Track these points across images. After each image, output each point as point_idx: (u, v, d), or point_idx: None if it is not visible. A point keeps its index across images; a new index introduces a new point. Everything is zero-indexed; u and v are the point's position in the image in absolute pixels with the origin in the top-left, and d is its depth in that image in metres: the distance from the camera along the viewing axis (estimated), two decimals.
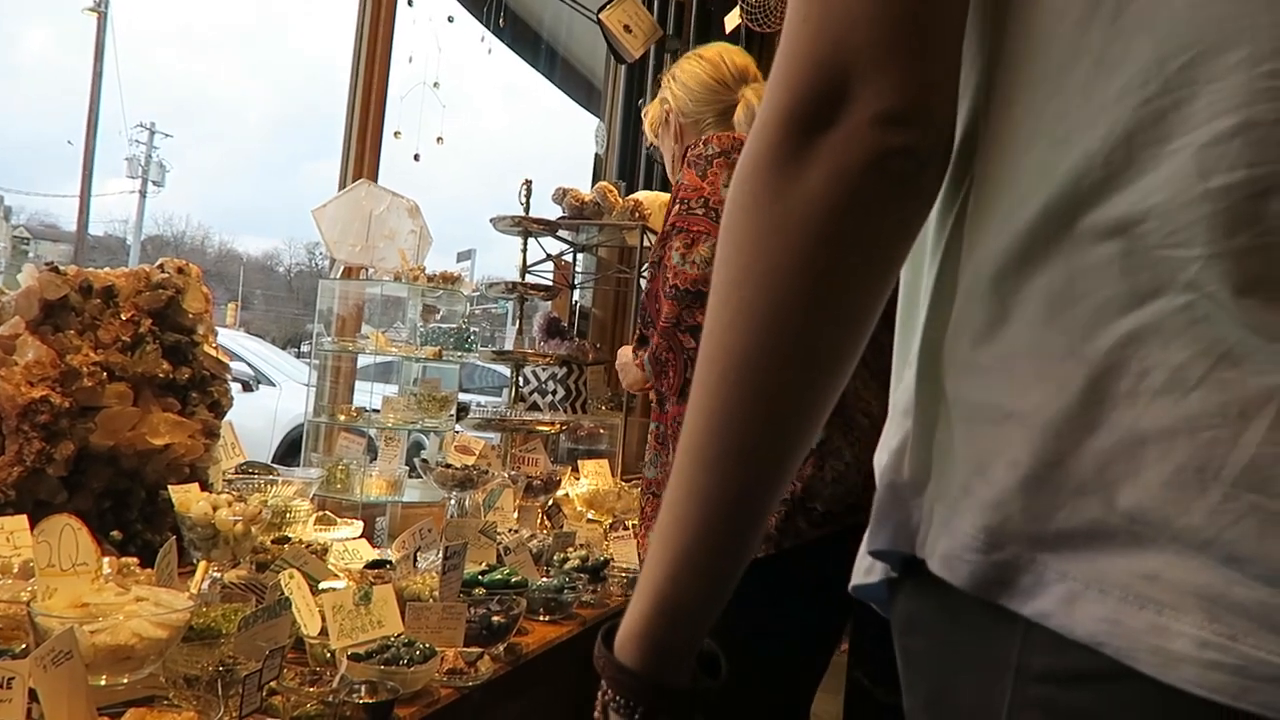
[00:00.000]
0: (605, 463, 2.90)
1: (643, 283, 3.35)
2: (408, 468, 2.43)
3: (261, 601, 1.40)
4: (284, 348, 11.70)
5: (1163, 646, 0.42)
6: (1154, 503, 0.44)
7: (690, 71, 1.84)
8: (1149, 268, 0.45)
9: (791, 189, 0.52)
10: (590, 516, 2.71)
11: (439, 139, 2.79)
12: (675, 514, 0.58)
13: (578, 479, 2.81)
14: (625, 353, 1.95)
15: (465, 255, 4.13)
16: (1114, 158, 0.47)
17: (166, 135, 18.60)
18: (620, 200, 3.18)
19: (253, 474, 1.88)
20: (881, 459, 0.60)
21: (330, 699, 1.21)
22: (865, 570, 0.61)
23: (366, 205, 2.36)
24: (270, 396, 6.50)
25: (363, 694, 1.27)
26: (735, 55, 1.86)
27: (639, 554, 1.67)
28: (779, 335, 0.54)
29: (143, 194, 17.54)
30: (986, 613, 0.49)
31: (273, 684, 1.18)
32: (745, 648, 0.65)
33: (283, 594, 1.39)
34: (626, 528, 2.43)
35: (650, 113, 1.97)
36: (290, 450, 5.91)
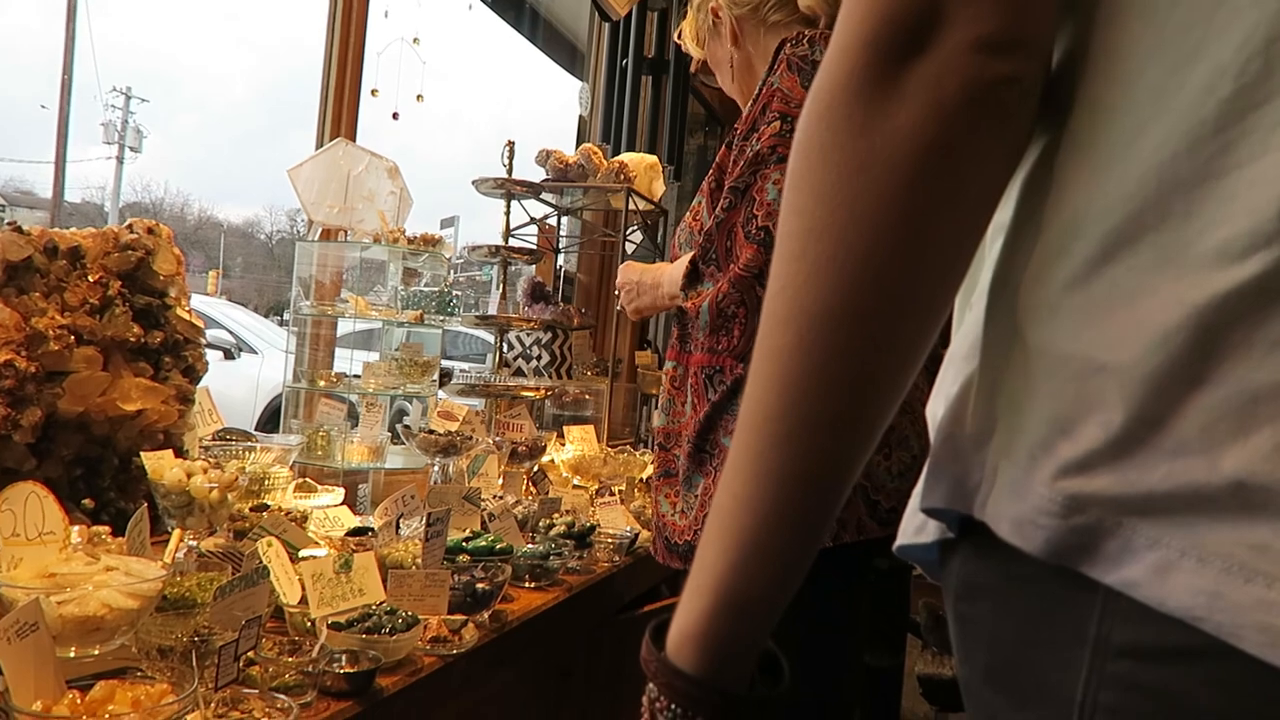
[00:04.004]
0: (591, 428, 2.87)
1: (629, 248, 3.30)
2: (390, 434, 2.39)
3: (239, 570, 1.36)
4: (266, 315, 11.59)
5: (1273, 624, 0.38)
6: (1265, 466, 0.39)
7: None
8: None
9: (878, 125, 0.46)
10: (576, 482, 2.68)
11: (419, 97, 2.71)
12: (739, 497, 0.52)
13: (563, 445, 2.78)
14: (635, 269, 1.72)
15: (449, 222, 4.06)
16: (1249, 70, 0.40)
17: (143, 100, 18.35)
18: (605, 162, 3.12)
19: (230, 441, 1.84)
20: (937, 408, 0.55)
21: (310, 669, 1.18)
22: (916, 529, 0.55)
23: (344, 165, 2.30)
24: (253, 364, 6.45)
25: (344, 663, 1.24)
26: None
27: (659, 504, 1.54)
28: (865, 292, 0.47)
29: (120, 160, 17.29)
30: (1061, 581, 0.44)
31: (250, 654, 1.14)
32: (795, 645, 0.59)
33: (261, 562, 1.35)
34: (613, 493, 2.41)
35: (688, 26, 1.70)
36: (273, 418, 5.85)
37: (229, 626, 1.15)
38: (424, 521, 1.59)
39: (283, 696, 1.10)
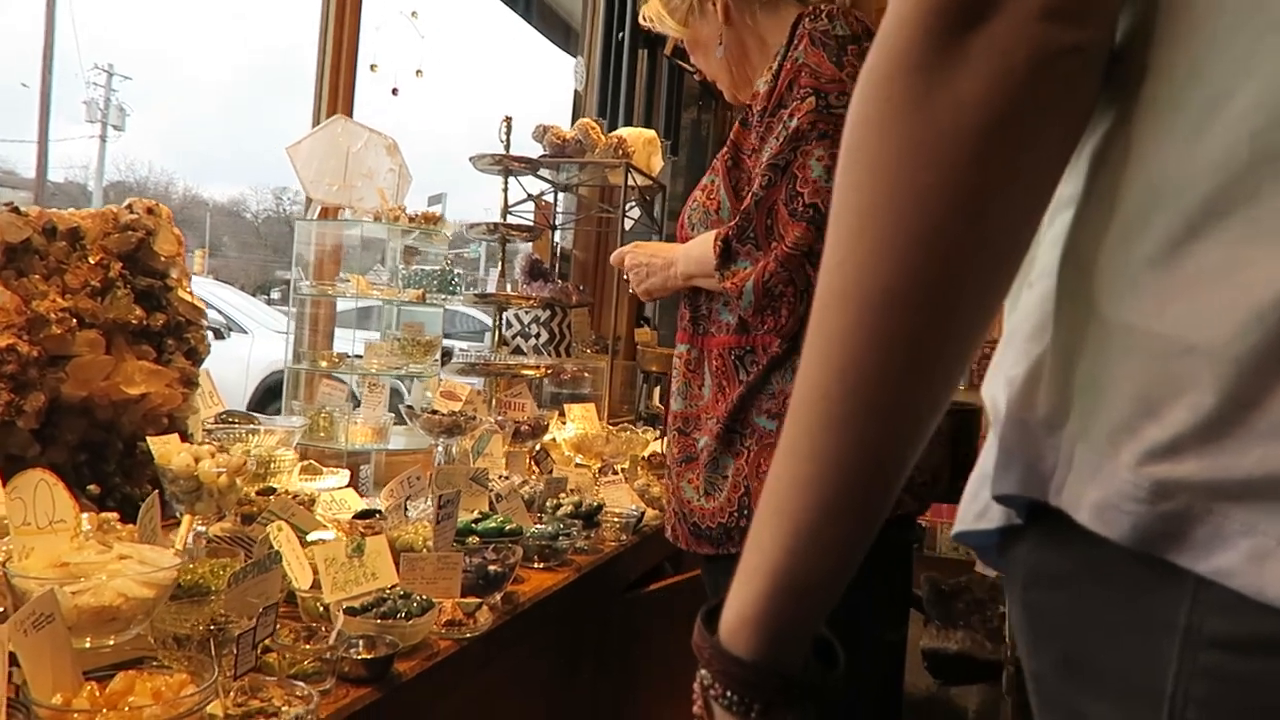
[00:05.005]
0: (592, 406, 2.85)
1: (628, 223, 3.27)
2: (393, 414, 2.37)
3: (250, 555, 1.35)
4: (254, 294, 11.54)
5: None
6: None
7: None
8: None
9: (940, 96, 0.44)
10: (578, 461, 2.67)
11: (418, 72, 2.67)
12: (793, 481, 0.51)
13: (564, 423, 2.76)
14: (644, 249, 1.64)
15: (436, 199, 4.02)
16: None
17: (125, 78, 18.10)
18: (603, 138, 3.09)
19: (233, 423, 1.82)
20: (998, 390, 0.53)
21: (328, 655, 1.17)
22: (977, 515, 0.54)
23: (343, 142, 2.26)
24: (243, 344, 6.42)
25: (360, 649, 1.22)
26: None
27: (674, 490, 1.52)
28: (928, 270, 0.46)
29: (103, 139, 17.10)
30: (1147, 568, 0.43)
31: (267, 641, 1.13)
32: (841, 625, 0.58)
33: (272, 547, 1.34)
34: (616, 472, 2.40)
35: (656, 6, 1.61)
36: (265, 398, 5.85)
37: (244, 613, 1.13)
38: (433, 503, 1.57)
39: (302, 684, 1.09)
